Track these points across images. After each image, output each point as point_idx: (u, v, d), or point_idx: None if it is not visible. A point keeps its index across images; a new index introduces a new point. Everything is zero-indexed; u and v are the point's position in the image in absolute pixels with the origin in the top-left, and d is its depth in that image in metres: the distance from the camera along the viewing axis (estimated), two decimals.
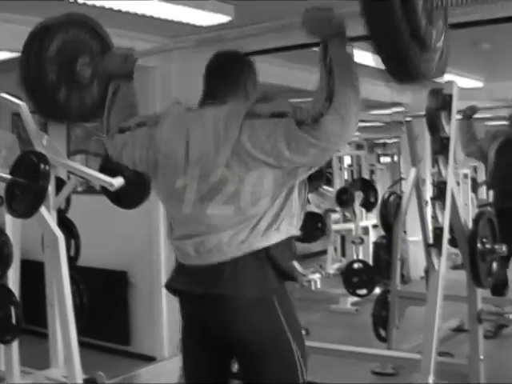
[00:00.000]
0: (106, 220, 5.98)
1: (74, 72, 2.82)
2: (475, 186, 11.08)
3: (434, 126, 3.94)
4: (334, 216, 8.66)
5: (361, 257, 7.99)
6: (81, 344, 3.80)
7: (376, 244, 5.69)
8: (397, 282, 5.37)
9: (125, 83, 2.74)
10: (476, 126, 6.30)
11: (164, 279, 5.67)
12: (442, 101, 3.89)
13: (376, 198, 8.06)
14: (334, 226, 8.65)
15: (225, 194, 2.32)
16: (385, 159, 13.58)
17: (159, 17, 4.72)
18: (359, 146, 10.31)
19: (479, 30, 4.97)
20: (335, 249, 9.56)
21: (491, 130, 6.96)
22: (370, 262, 6.19)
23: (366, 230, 8.60)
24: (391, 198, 5.53)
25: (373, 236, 8.36)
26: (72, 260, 4.22)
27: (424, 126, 4.08)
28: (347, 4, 2.18)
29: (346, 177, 10.64)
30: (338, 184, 9.40)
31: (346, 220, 8.86)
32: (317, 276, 8.67)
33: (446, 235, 3.74)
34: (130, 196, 4.01)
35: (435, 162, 3.91)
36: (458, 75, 7.09)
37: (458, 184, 9.15)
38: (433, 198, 3.92)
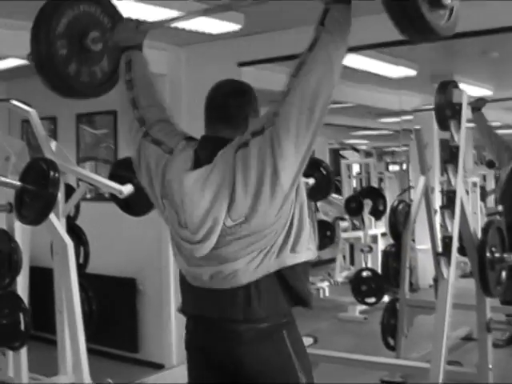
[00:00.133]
0: (115, 227, 6.00)
1: (85, 47, 2.82)
2: (484, 195, 11.06)
3: (443, 120, 3.96)
4: (343, 224, 8.65)
5: (369, 265, 7.97)
6: (89, 351, 3.81)
7: (385, 252, 5.67)
8: (405, 290, 5.36)
9: (136, 54, 2.71)
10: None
11: (172, 287, 5.73)
12: (451, 109, 3.91)
13: (385, 207, 8.03)
14: (343, 234, 8.64)
15: (237, 233, 2.26)
16: (394, 167, 13.56)
17: (170, 25, 4.72)
18: (368, 154, 10.33)
19: (488, 38, 4.97)
20: (344, 257, 9.55)
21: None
22: (379, 270, 6.18)
23: (374, 238, 8.59)
24: (400, 207, 5.52)
25: (381, 244, 8.34)
26: (81, 267, 4.22)
27: (433, 134, 4.10)
28: None
29: (354, 185, 10.64)
30: (347, 192, 9.40)
31: (354, 228, 8.86)
32: (325, 284, 8.70)
33: (456, 244, 3.73)
34: (139, 203, 4.00)
35: (445, 170, 3.92)
36: (467, 84, 7.09)
37: (467, 192, 9.13)
38: (442, 207, 3.93)
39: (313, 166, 4.95)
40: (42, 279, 4.41)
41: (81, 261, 4.32)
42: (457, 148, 3.88)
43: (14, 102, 4.32)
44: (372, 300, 6.21)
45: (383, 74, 6.64)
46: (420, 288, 8.70)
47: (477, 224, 8.08)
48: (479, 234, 4.16)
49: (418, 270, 8.76)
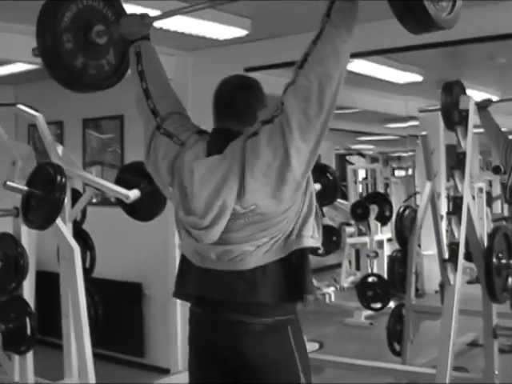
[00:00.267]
0: (121, 232, 6.00)
1: (90, 40, 2.83)
2: (490, 200, 11.05)
3: (450, 120, 3.96)
4: (349, 229, 8.66)
5: (375, 270, 7.98)
6: (95, 355, 3.81)
7: (391, 258, 5.67)
8: (411, 295, 5.35)
9: (145, 44, 2.71)
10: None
11: None
12: (458, 114, 3.91)
13: (391, 212, 8.01)
14: (349, 240, 8.65)
15: (249, 218, 2.27)
16: (400, 173, 13.57)
17: (177, 30, 4.75)
18: (374, 160, 10.34)
19: (495, 44, 4.97)
20: (350, 262, 9.56)
21: None
22: (385, 275, 6.18)
23: (380, 244, 8.59)
24: (406, 212, 5.51)
25: (387, 250, 8.35)
26: (87, 271, 4.22)
27: (440, 140, 4.10)
28: None
29: (360, 190, 10.64)
30: (353, 197, 9.40)
31: (360, 233, 8.86)
32: (331, 289, 8.69)
33: (462, 250, 3.73)
34: (146, 208, 4.01)
35: (451, 176, 3.91)
36: (474, 89, 7.09)
37: (474, 198, 9.12)
38: (449, 213, 3.92)
39: (319, 172, 4.93)
40: (49, 284, 4.42)
41: (87, 265, 4.32)
42: (463, 154, 3.87)
43: (21, 107, 4.33)
44: (378, 305, 6.20)
45: (390, 80, 6.65)
46: (426, 293, 8.70)
47: (483, 230, 8.08)
48: (485, 240, 4.16)
49: (424, 276, 8.76)
